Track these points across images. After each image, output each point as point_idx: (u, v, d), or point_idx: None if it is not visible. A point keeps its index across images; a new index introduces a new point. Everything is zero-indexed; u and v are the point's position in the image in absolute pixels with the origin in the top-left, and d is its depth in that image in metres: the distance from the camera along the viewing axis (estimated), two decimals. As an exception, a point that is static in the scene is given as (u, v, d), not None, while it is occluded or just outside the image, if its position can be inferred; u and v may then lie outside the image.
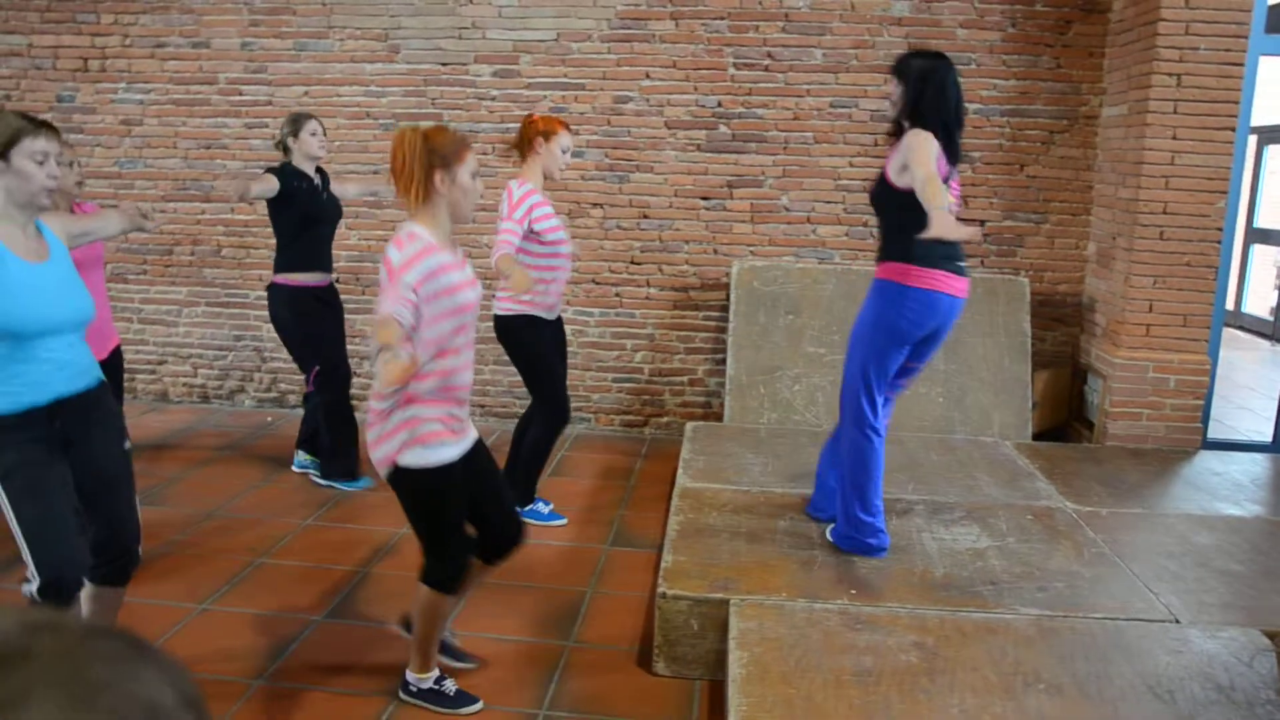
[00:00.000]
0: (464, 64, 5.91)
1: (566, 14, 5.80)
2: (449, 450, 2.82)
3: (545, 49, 5.83)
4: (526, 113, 5.85)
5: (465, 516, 2.97)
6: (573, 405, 6.04)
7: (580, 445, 5.83)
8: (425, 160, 2.72)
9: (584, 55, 5.81)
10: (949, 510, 4.10)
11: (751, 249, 5.85)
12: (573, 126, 5.79)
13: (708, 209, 5.85)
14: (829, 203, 5.81)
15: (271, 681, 3.26)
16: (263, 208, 4.90)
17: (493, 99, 5.90)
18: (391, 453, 2.79)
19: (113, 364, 3.96)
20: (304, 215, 4.71)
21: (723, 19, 5.70)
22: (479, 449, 3.00)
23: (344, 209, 5.04)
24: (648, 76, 5.78)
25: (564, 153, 4.31)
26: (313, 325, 4.85)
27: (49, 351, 2.69)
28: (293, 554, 4.24)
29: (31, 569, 2.68)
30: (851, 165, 5.76)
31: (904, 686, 2.75)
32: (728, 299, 5.75)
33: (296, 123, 4.75)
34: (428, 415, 2.78)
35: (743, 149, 5.79)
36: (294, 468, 5.23)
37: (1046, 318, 5.85)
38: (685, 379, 6.00)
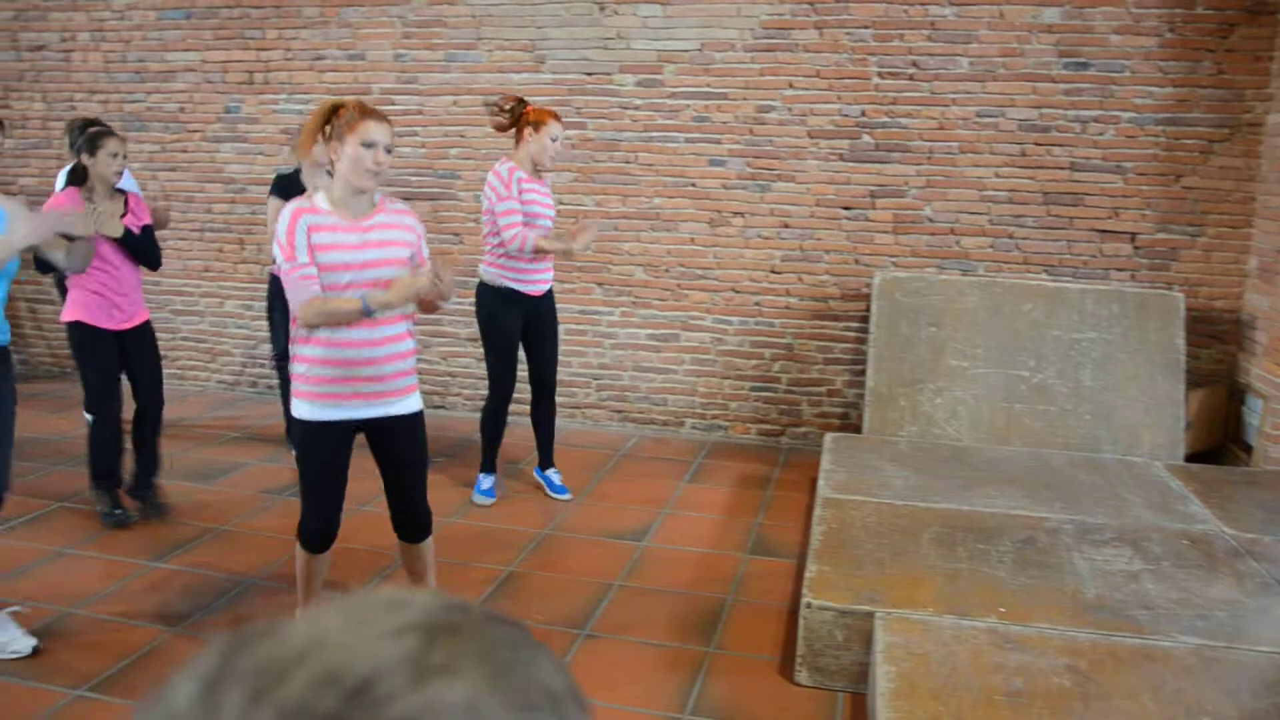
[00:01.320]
0: (608, 74, 6.01)
1: (710, 24, 5.84)
2: (325, 410, 3.15)
3: (689, 59, 5.89)
4: (669, 122, 5.93)
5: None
6: (710, 413, 6.12)
7: (717, 453, 5.86)
8: (319, 130, 3.12)
9: (727, 65, 5.85)
10: (1098, 531, 4.00)
11: (893, 260, 5.80)
12: (715, 136, 5.88)
13: (849, 219, 5.82)
14: (974, 214, 5.71)
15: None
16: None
17: (636, 108, 5.98)
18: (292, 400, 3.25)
19: (143, 333, 4.57)
20: None
21: (867, 28, 5.67)
22: (398, 425, 3.25)
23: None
24: (791, 86, 5.78)
25: (553, 141, 4.59)
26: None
27: None
28: (439, 550, 4.37)
29: None
30: (998, 176, 5.66)
31: (1057, 710, 2.70)
32: (868, 310, 5.71)
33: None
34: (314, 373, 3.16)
35: (886, 159, 5.74)
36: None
37: (1201, 334, 5.64)
38: (824, 389, 5.98)
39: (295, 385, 3.19)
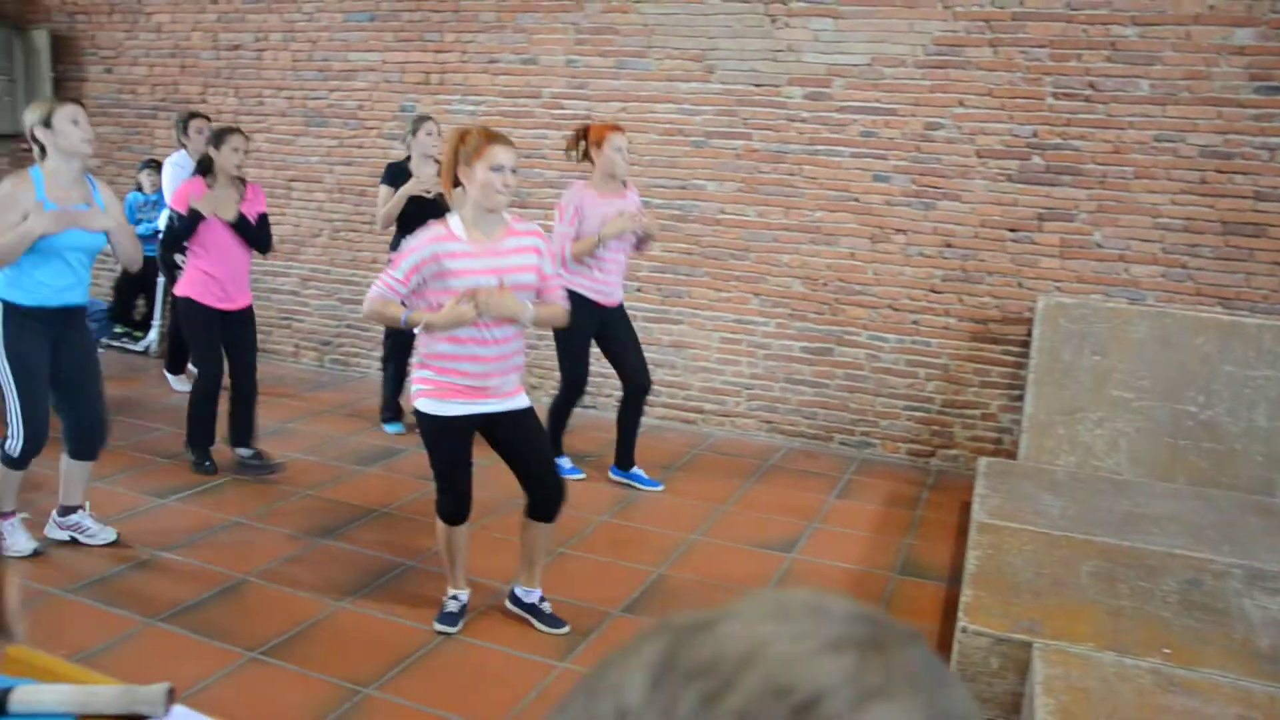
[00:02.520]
0: (776, 85, 6.03)
1: (881, 39, 5.82)
2: (446, 406, 3.40)
3: (858, 73, 5.87)
4: (835, 135, 5.92)
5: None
6: (859, 429, 6.09)
7: (865, 470, 5.83)
8: (454, 156, 3.33)
9: (897, 80, 5.81)
10: (1272, 578, 3.84)
11: (1058, 285, 5.67)
12: (881, 152, 5.85)
13: (1015, 241, 5.71)
14: (1146, 241, 5.54)
15: (573, 664, 3.48)
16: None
17: (803, 121, 5.99)
18: (414, 395, 3.49)
19: (243, 316, 5.09)
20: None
21: (1043, 47, 5.55)
22: (516, 418, 3.50)
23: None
24: (961, 104, 5.71)
25: (617, 152, 4.87)
26: None
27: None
28: (592, 548, 4.49)
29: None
30: (1174, 203, 5.47)
31: (1226, 758, 2.62)
32: (1029, 335, 5.59)
33: (417, 124, 5.70)
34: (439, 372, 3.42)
35: (1055, 181, 5.62)
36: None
37: (1390, 378, 5.35)
38: (978, 413, 5.88)
39: (421, 382, 3.45)
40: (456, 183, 3.37)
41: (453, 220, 3.37)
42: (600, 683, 0.45)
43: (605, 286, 4.99)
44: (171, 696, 1.49)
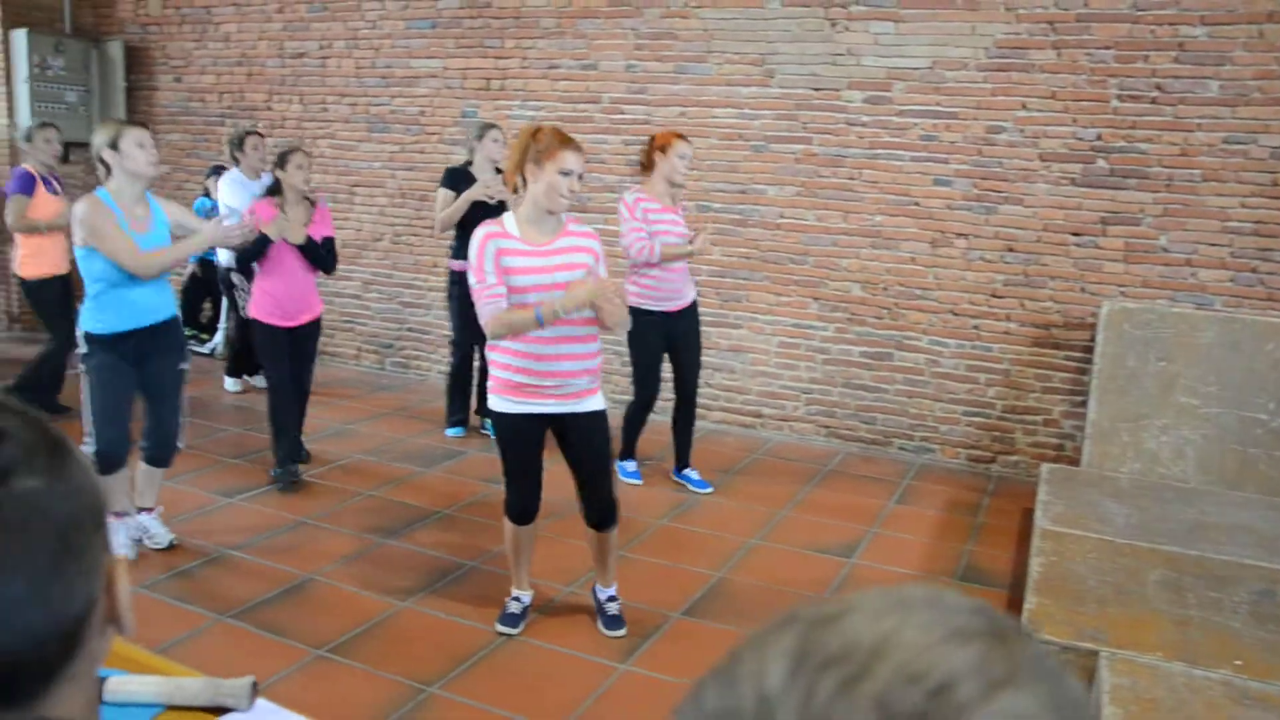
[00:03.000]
0: (836, 89, 6.02)
1: (943, 42, 5.78)
2: (514, 404, 3.43)
3: (919, 77, 5.84)
4: (895, 139, 5.90)
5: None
6: (918, 434, 6.06)
7: (924, 475, 5.79)
8: (522, 155, 3.33)
9: (958, 84, 5.77)
10: (1346, 589, 3.76)
11: (1122, 289, 5.59)
12: (942, 156, 5.81)
13: (1078, 245, 5.64)
14: (1214, 245, 5.44)
15: (634, 666, 3.50)
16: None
17: (863, 125, 5.97)
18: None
19: (307, 330, 5.19)
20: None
21: (1109, 49, 5.48)
22: (582, 422, 3.50)
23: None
24: (1024, 107, 5.65)
25: (681, 159, 4.91)
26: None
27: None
28: (652, 550, 4.51)
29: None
30: (1244, 206, 5.37)
31: (1300, 772, 2.58)
32: (1092, 340, 5.52)
33: (483, 130, 5.72)
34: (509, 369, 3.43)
35: (1120, 185, 5.54)
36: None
37: None
38: (1039, 418, 5.82)
39: (491, 382, 3.51)
40: (519, 179, 3.39)
41: (506, 218, 3.40)
42: (736, 671, 0.48)
43: (671, 289, 5.02)
44: (255, 690, 1.53)
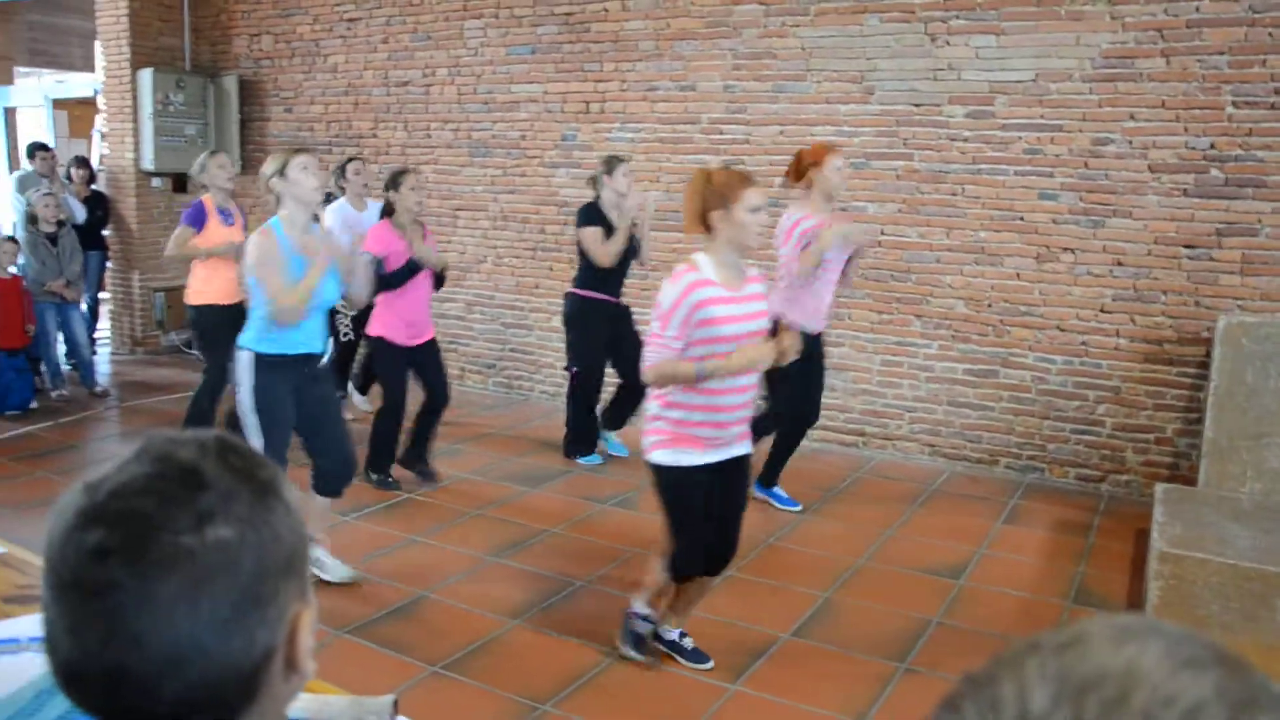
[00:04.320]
0: (937, 105, 5.97)
1: (1046, 54, 5.70)
2: (687, 457, 3.29)
3: (1022, 90, 5.76)
4: (999, 154, 5.83)
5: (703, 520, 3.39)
6: (1025, 453, 5.95)
7: (1032, 494, 5.69)
8: (703, 199, 3.22)
9: (1063, 96, 5.68)
10: None
11: (1239, 303, 5.43)
12: (1046, 169, 5.72)
13: (1191, 258, 5.50)
14: (1337, 255, 5.26)
15: (745, 687, 3.52)
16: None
17: (965, 140, 5.91)
18: (648, 448, 3.36)
19: (430, 347, 5.36)
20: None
21: (1222, 54, 5.34)
22: (735, 466, 3.40)
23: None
24: (1132, 117, 5.54)
25: (836, 172, 4.89)
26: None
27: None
28: (760, 571, 4.52)
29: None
30: (1368, 215, 5.19)
31: None
32: (1208, 355, 5.37)
33: (610, 164, 5.70)
34: (683, 423, 3.29)
35: (1236, 194, 5.39)
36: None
37: None
38: (1152, 437, 5.67)
39: (658, 433, 3.34)
40: (704, 225, 3.27)
41: (702, 263, 3.27)
42: (994, 695, 0.52)
43: (816, 314, 4.99)
44: (396, 708, 1.59)
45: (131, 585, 0.71)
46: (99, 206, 8.55)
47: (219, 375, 5.78)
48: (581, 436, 6.08)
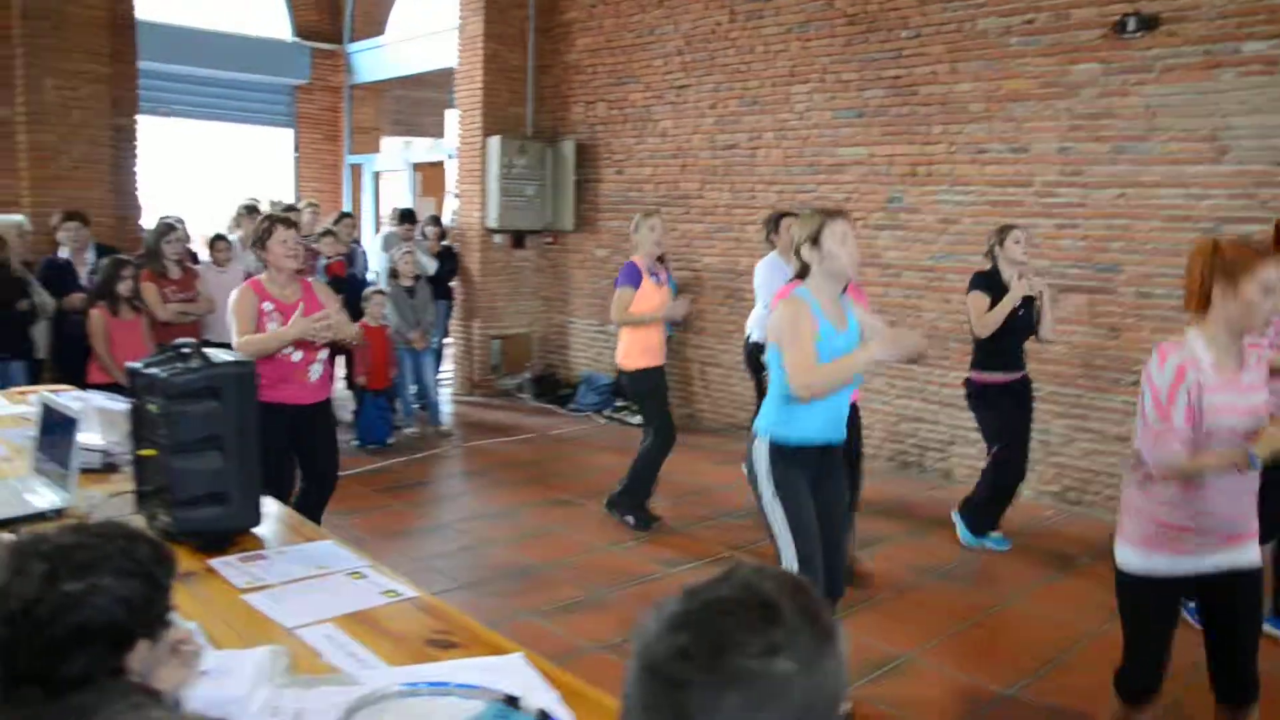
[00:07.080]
0: (1302, 164, 5.56)
1: None
2: (1160, 561, 2.88)
3: (1407, 148, 5.27)
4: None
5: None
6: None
7: None
8: (1208, 271, 2.82)
9: None
10: None
11: None
12: None
13: None
14: None
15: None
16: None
17: (1335, 202, 5.47)
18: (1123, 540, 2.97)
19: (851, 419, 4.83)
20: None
21: None
22: (1241, 583, 2.90)
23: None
24: None
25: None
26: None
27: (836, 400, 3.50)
28: (1087, 663, 4.32)
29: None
30: None
31: None
32: None
33: (1003, 233, 5.44)
34: (1159, 519, 2.87)
35: None
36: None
37: None
38: None
39: (1130, 526, 2.98)
40: (1204, 301, 2.86)
41: (1194, 339, 2.86)
42: None
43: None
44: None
45: (700, 687, 0.85)
46: (448, 260, 9.39)
47: (659, 441, 5.88)
48: (991, 520, 5.72)
